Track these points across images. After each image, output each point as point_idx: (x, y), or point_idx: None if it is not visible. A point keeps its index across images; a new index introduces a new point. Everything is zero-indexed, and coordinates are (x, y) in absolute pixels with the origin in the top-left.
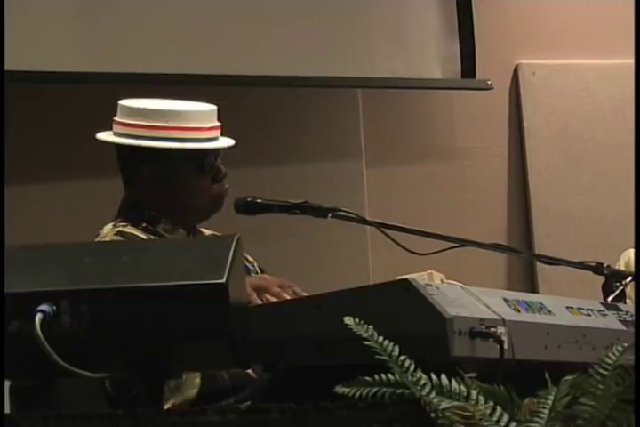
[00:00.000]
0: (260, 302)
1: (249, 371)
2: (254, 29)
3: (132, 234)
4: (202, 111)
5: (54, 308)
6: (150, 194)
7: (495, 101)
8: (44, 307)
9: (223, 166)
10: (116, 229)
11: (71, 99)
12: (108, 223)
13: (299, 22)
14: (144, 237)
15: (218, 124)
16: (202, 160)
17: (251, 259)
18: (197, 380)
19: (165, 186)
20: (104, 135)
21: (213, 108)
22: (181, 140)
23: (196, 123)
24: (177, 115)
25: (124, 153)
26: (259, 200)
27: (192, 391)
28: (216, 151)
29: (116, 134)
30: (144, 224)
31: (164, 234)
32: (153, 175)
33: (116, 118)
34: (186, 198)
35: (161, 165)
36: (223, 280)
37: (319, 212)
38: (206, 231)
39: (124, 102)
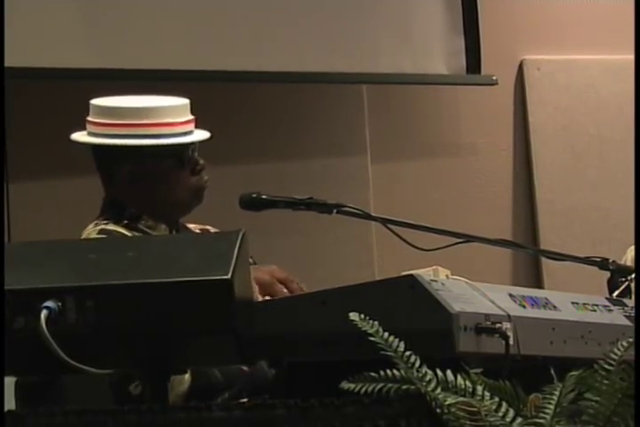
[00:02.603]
0: (260, 297)
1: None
2: (259, 26)
3: (116, 231)
4: (175, 106)
5: (59, 304)
6: (129, 192)
7: (500, 97)
8: (49, 303)
9: (201, 158)
10: (99, 228)
11: (71, 95)
12: (90, 223)
13: (304, 18)
14: (127, 233)
15: (192, 117)
16: (179, 154)
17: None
18: (187, 376)
19: (144, 183)
20: (78, 136)
21: (186, 101)
22: (157, 136)
23: (170, 118)
24: (150, 111)
25: (100, 153)
26: (263, 196)
27: (182, 388)
28: (192, 144)
29: (91, 134)
30: (125, 221)
31: (146, 230)
32: (131, 173)
33: (88, 118)
34: (166, 193)
35: (138, 162)
36: (228, 276)
37: (324, 208)
38: (192, 226)
39: (95, 102)
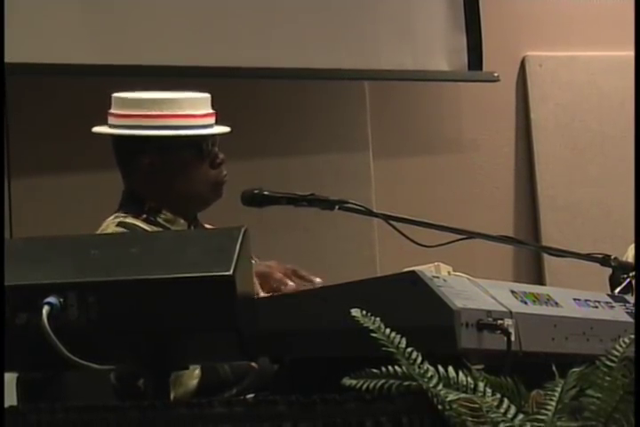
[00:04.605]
0: (260, 290)
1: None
2: (262, 22)
3: (134, 224)
4: (195, 98)
5: (61, 300)
6: (149, 184)
7: (502, 93)
8: (51, 299)
9: (221, 153)
10: (118, 220)
11: (77, 91)
12: (109, 216)
13: (306, 15)
14: (146, 227)
15: (212, 111)
16: (198, 146)
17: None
18: (197, 371)
19: (164, 175)
20: (100, 128)
21: (207, 95)
22: (177, 127)
23: (191, 110)
24: (171, 103)
25: (121, 144)
26: (266, 192)
27: (192, 383)
28: (212, 138)
29: (112, 126)
30: (144, 215)
31: (164, 224)
32: (150, 164)
33: (110, 111)
34: (185, 186)
35: (158, 153)
36: (230, 272)
37: (326, 204)
38: (208, 226)
39: (117, 94)
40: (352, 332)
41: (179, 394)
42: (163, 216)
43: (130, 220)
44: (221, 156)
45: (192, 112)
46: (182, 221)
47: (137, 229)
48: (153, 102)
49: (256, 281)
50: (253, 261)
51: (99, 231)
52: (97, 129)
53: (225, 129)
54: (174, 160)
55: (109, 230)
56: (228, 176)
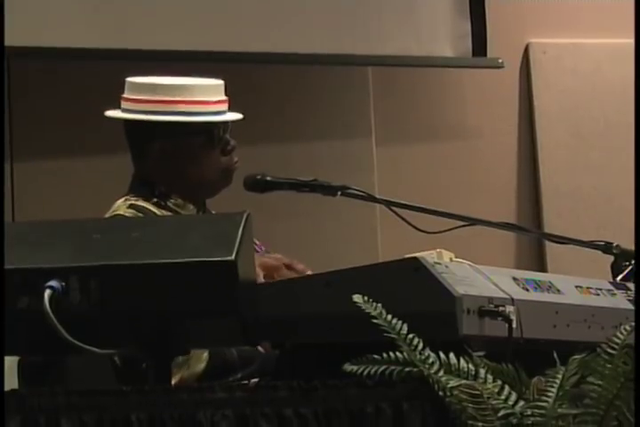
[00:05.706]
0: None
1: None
2: (265, 7)
3: (145, 207)
4: (209, 85)
5: (63, 284)
6: (160, 169)
7: (506, 80)
8: (53, 283)
9: (232, 139)
10: (129, 203)
11: (81, 75)
12: (118, 200)
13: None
14: (156, 211)
15: (225, 98)
16: (210, 133)
17: (258, 242)
18: (205, 354)
19: (174, 160)
20: (113, 112)
21: (220, 82)
22: (189, 113)
23: (204, 96)
24: (184, 89)
25: (133, 129)
26: (268, 178)
27: (200, 366)
28: (224, 124)
29: (125, 111)
30: (155, 199)
31: (174, 209)
32: (162, 150)
33: (124, 95)
34: (195, 172)
35: (169, 139)
36: (232, 257)
37: (328, 190)
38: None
39: (131, 79)
40: (354, 318)
41: (185, 376)
42: (172, 201)
43: (141, 202)
44: (232, 142)
45: (205, 98)
46: (191, 206)
47: (147, 212)
48: (166, 88)
49: (260, 272)
50: (257, 247)
51: (109, 213)
52: (109, 113)
53: (237, 116)
54: (186, 146)
55: (120, 212)
56: (239, 165)
